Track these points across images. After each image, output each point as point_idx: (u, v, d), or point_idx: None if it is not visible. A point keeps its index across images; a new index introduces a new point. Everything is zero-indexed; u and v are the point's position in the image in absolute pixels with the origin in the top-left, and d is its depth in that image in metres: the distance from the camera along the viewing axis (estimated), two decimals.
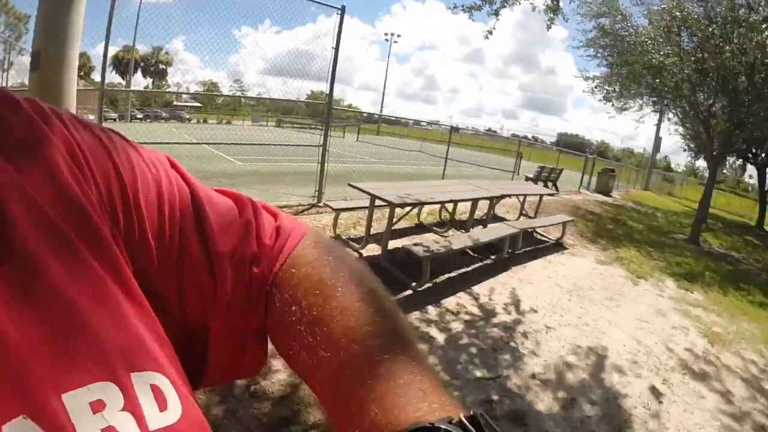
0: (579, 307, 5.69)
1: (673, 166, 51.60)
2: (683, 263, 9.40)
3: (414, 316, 4.56)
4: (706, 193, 13.34)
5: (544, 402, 3.75)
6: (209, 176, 8.93)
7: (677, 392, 4.38)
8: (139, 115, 31.37)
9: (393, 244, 5.94)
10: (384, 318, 0.47)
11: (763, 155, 21.86)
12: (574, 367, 4.36)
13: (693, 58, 10.96)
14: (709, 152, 13.24)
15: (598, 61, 13.52)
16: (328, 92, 7.85)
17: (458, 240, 5.91)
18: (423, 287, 5.14)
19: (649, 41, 11.37)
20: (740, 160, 24.74)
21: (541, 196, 10.02)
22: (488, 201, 7.93)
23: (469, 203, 7.38)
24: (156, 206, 0.45)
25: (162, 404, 0.34)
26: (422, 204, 6.23)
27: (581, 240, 9.10)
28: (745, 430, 4.14)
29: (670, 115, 16.52)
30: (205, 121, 36.72)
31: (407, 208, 6.34)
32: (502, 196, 8.12)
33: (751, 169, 26.21)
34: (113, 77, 49.09)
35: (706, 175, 17.00)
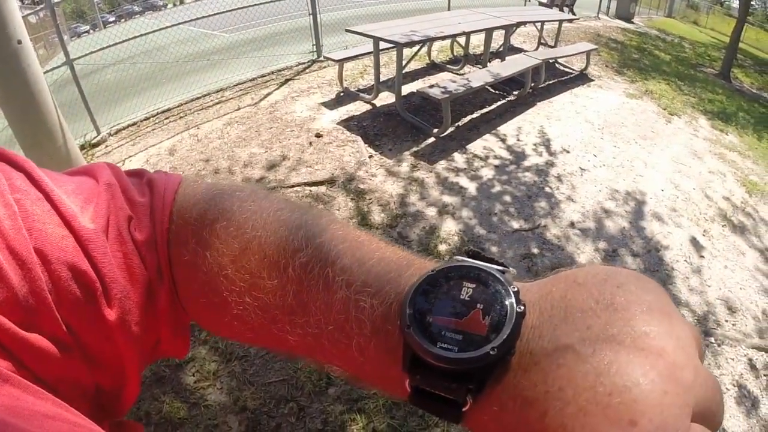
0: (612, 146, 5.41)
1: None
2: (715, 101, 9.03)
3: (440, 166, 4.29)
4: (737, 25, 12.65)
5: (585, 253, 3.61)
6: (198, 56, 8.30)
7: (718, 246, 4.31)
8: (112, 19, 29.34)
9: (406, 89, 5.57)
10: (312, 213, 0.44)
11: None
12: (613, 214, 4.19)
13: None
14: None
15: None
16: None
17: (476, 76, 5.43)
18: (446, 132, 4.86)
19: None
20: None
21: (561, 22, 9.29)
22: (503, 31, 7.35)
23: (482, 35, 6.81)
24: None
25: None
26: (431, 40, 5.70)
27: (607, 71, 8.58)
28: None
29: None
30: (181, 2, 33.96)
31: (416, 47, 5.81)
32: (518, 24, 7.47)
33: None
34: None
35: (734, 5, 16.09)
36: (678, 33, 17.81)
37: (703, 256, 4.08)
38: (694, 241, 4.22)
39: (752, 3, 24.38)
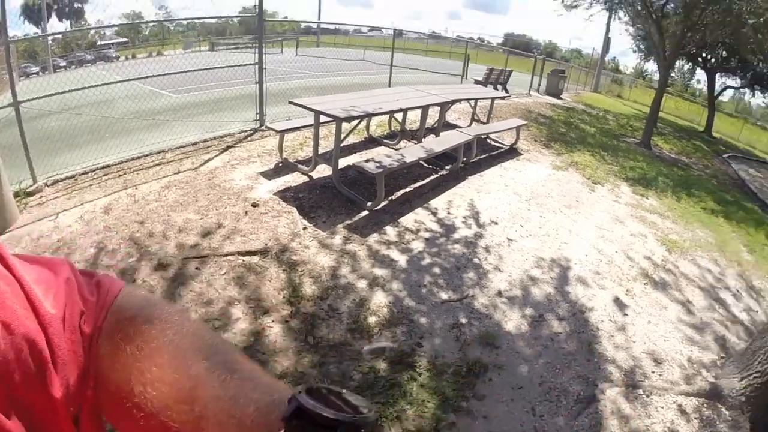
0: (539, 216, 5.70)
1: (621, 68, 52.65)
2: (637, 168, 9.70)
3: (373, 238, 4.41)
4: (657, 96, 13.74)
5: (513, 321, 3.73)
6: (144, 115, 8.32)
7: (640, 303, 4.55)
8: (63, 63, 29.37)
9: (344, 162, 5.76)
10: (221, 339, 0.55)
11: (713, 60, 22.77)
12: (539, 281, 4.37)
13: None
14: (660, 54, 13.49)
15: None
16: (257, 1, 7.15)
17: (411, 152, 5.71)
18: (379, 206, 5.02)
19: None
20: (690, 64, 25.61)
21: (493, 99, 9.95)
22: (439, 107, 7.78)
23: (419, 111, 7.20)
24: None
25: None
26: (370, 116, 5.96)
27: (535, 145, 9.11)
28: (707, 340, 4.39)
29: (621, 14, 16.50)
30: (134, 56, 33.88)
31: (355, 122, 6.01)
32: (453, 102, 8.02)
33: (699, 74, 27.24)
34: (29, 28, 43.81)
35: (655, 78, 17.49)
36: (603, 106, 19.06)
37: (626, 314, 4.29)
38: (618, 301, 4.44)
39: (672, 75, 26.46)
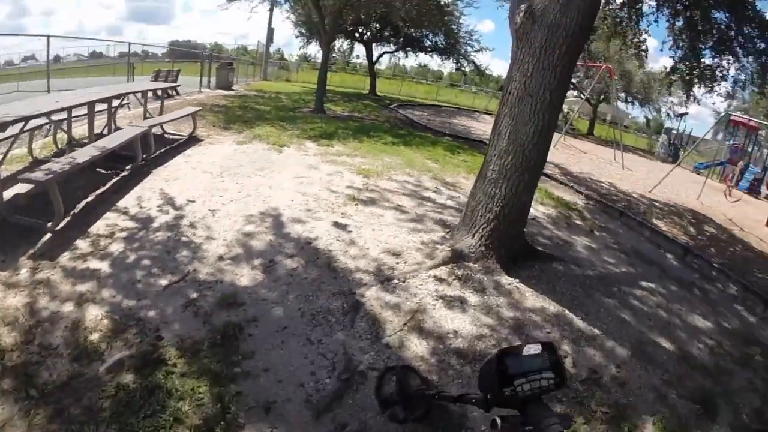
0: (235, 184, 5.65)
1: (287, 57, 55.43)
2: (316, 128, 10.45)
3: (65, 258, 3.70)
4: (322, 68, 15.03)
5: (246, 276, 3.65)
6: None
7: (358, 219, 4.91)
8: None
9: (11, 192, 4.65)
10: None
11: (368, 34, 26.07)
12: (255, 234, 4.34)
13: None
14: (321, 33, 14.66)
15: None
16: None
17: (83, 152, 5.03)
18: (62, 223, 4.24)
19: None
20: (348, 41, 28.37)
21: (164, 92, 9.68)
22: (107, 108, 7.18)
23: (86, 125, 6.45)
24: None
25: None
26: (27, 119, 4.89)
27: (214, 129, 9.01)
28: (429, 226, 5.02)
29: (282, 1, 17.30)
30: None
31: (10, 134, 4.93)
32: (120, 97, 7.52)
33: (358, 50, 30.24)
34: None
35: (319, 58, 18.92)
36: (275, 90, 19.89)
37: (350, 231, 4.58)
38: (338, 224, 4.70)
39: (333, 55, 29.25)
